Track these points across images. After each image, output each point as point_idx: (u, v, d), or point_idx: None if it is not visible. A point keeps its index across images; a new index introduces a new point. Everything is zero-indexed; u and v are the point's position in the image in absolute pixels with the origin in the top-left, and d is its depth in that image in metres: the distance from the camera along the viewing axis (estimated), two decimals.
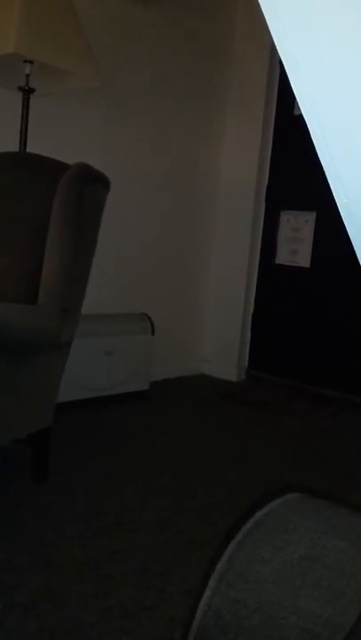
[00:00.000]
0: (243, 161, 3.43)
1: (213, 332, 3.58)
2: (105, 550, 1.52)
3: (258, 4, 0.42)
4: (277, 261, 3.44)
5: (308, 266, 3.31)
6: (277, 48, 0.44)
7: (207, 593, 0.57)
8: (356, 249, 0.55)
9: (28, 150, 2.28)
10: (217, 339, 3.57)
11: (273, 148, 3.42)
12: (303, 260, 3.33)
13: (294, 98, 0.45)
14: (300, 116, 0.48)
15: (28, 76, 2.20)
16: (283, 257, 3.42)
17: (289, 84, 0.45)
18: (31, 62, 2.15)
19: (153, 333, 2.91)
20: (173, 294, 3.36)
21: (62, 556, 1.47)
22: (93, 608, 1.28)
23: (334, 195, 0.51)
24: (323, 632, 0.52)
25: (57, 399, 1.86)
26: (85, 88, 2.43)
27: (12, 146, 2.31)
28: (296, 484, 0.65)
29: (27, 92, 2.24)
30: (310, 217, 3.29)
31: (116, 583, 1.38)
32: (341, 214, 0.52)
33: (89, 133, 2.76)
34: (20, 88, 2.24)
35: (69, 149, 2.40)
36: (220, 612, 0.56)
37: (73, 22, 2.15)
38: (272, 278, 3.47)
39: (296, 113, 3.23)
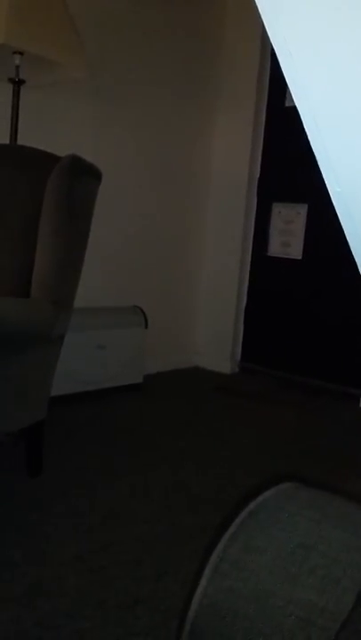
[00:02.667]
0: (234, 153, 3.42)
1: (206, 325, 3.58)
2: (99, 543, 1.52)
3: None
4: (269, 253, 3.44)
5: (300, 258, 3.32)
6: (269, 36, 0.44)
7: (203, 582, 0.57)
8: (348, 238, 0.55)
9: (18, 142, 2.27)
10: (210, 331, 3.57)
11: (264, 140, 3.41)
12: (295, 251, 3.34)
13: (285, 90, 0.45)
14: (292, 108, 0.48)
15: (18, 67, 2.18)
16: (275, 249, 3.42)
17: (280, 75, 0.45)
18: (21, 53, 2.14)
19: (146, 326, 2.90)
20: (166, 287, 3.36)
21: (57, 549, 1.47)
22: (89, 601, 1.28)
23: (327, 184, 0.51)
24: (318, 620, 0.52)
25: (50, 393, 1.86)
26: (76, 80, 2.41)
27: (3, 138, 2.30)
28: (290, 473, 0.65)
29: (17, 83, 2.22)
30: (302, 209, 3.28)
31: (111, 575, 1.38)
32: (334, 203, 0.52)
33: (80, 125, 2.74)
34: (11, 79, 2.22)
35: (60, 141, 2.38)
36: (215, 602, 0.57)
37: (62, 14, 2.14)
38: (264, 270, 3.47)
39: (287, 105, 3.22)
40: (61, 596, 1.29)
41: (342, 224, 0.53)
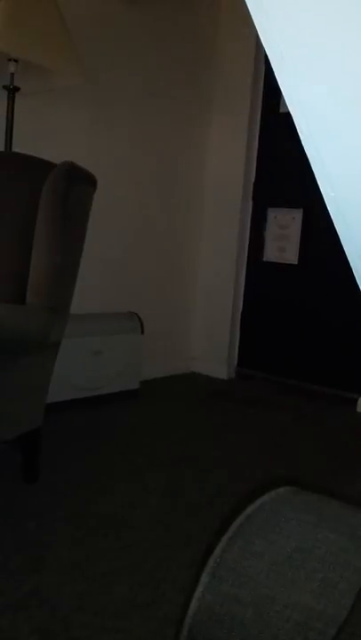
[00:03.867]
0: (229, 158, 3.43)
1: (203, 331, 3.58)
2: (97, 549, 1.51)
3: None
4: (265, 258, 3.45)
5: (296, 262, 3.32)
6: (262, 41, 0.44)
7: (199, 588, 0.57)
8: (343, 242, 0.55)
9: (13, 149, 2.27)
10: (206, 337, 3.57)
11: (259, 146, 3.42)
12: (291, 256, 3.34)
13: (280, 96, 0.45)
14: (286, 114, 0.48)
15: (12, 74, 2.18)
16: (270, 254, 3.43)
17: (274, 81, 0.45)
18: (16, 61, 2.14)
19: (142, 332, 2.90)
20: (162, 293, 3.36)
21: (54, 556, 1.47)
22: (86, 608, 1.27)
23: (321, 189, 0.51)
24: (316, 624, 0.52)
25: (46, 399, 1.86)
26: (71, 87, 2.42)
27: None
28: (287, 477, 0.65)
29: (12, 90, 2.22)
30: (297, 214, 3.29)
31: (109, 582, 1.37)
32: (328, 208, 0.52)
33: (75, 132, 2.75)
34: (5, 87, 2.22)
35: (56, 148, 2.39)
36: (212, 607, 0.56)
37: (57, 21, 2.14)
38: (260, 275, 3.48)
39: (282, 110, 3.23)
40: (58, 604, 1.28)
41: (337, 228, 0.53)
